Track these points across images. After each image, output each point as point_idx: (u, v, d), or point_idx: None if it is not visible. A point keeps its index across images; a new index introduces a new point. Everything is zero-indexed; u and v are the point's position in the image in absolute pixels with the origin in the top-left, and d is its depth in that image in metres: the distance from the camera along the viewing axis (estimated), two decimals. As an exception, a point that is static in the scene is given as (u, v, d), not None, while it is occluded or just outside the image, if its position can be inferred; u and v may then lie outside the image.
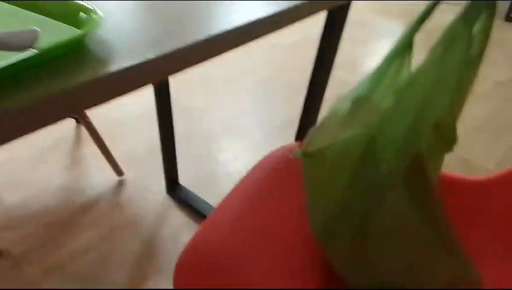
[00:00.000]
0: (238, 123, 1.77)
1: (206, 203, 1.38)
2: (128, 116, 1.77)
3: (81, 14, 0.39)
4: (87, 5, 0.39)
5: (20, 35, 0.34)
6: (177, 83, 2.00)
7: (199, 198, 1.40)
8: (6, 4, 0.43)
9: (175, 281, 0.61)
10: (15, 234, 1.26)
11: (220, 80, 2.06)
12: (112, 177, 1.47)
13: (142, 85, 0.38)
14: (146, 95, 1.90)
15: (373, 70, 0.43)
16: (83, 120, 1.34)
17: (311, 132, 0.48)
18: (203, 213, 1.35)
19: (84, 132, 1.66)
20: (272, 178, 0.75)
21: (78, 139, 1.64)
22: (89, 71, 0.34)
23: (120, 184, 1.45)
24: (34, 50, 0.32)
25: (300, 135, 1.05)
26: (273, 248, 0.63)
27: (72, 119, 1.71)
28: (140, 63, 0.36)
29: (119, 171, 1.47)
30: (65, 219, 1.32)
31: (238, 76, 2.10)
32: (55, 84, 0.31)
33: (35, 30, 0.35)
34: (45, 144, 1.59)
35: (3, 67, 0.30)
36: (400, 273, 0.47)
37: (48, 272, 1.17)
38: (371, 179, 0.39)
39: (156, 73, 0.38)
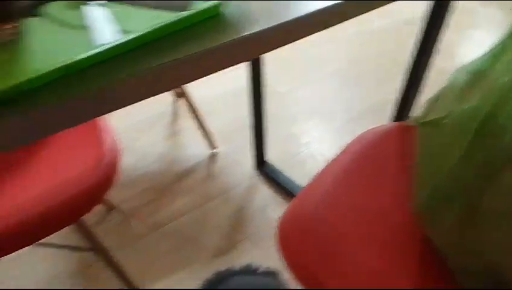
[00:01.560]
0: (323, 106, 1.82)
1: (291, 180, 1.46)
2: (220, 94, 1.89)
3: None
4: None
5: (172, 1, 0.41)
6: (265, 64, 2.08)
7: (284, 175, 1.48)
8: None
9: (279, 244, 0.67)
10: (124, 193, 1.43)
11: (306, 63, 2.11)
12: (206, 150, 1.59)
13: (264, 52, 0.44)
14: (237, 74, 2.01)
15: (493, 45, 0.46)
16: (183, 95, 1.47)
17: (428, 102, 0.51)
18: (288, 189, 1.43)
19: (182, 106, 1.81)
20: (370, 155, 0.79)
21: (176, 113, 1.79)
22: (225, 35, 0.40)
23: (212, 157, 1.57)
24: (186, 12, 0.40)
25: (398, 118, 1.08)
26: (370, 221, 0.68)
27: (173, 94, 1.87)
28: (261, 31, 0.42)
29: (212, 145, 1.59)
30: (164, 184, 1.47)
31: (324, 59, 2.13)
32: (198, 45, 0.38)
33: None
34: (150, 115, 1.76)
35: (161, 26, 0.37)
36: (510, 256, 0.46)
37: (151, 228, 1.32)
38: (488, 154, 0.41)
39: (271, 43, 0.44)
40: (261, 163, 1.51)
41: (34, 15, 0.41)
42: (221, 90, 1.91)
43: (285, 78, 2.01)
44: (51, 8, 0.42)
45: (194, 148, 1.61)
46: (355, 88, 1.94)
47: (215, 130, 1.68)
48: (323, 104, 1.83)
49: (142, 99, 0.37)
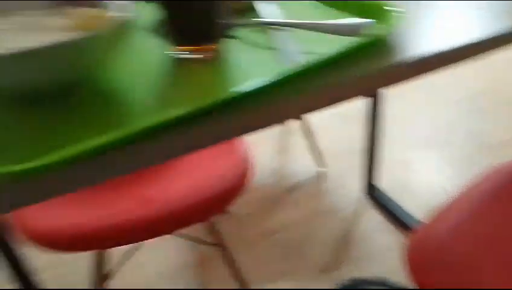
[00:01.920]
0: (443, 135, 1.74)
1: (401, 208, 1.42)
2: (334, 112, 1.91)
3: (385, 10, 0.48)
4: (388, 4, 0.49)
5: (351, 25, 0.45)
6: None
7: (395, 203, 1.44)
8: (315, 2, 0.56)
9: (411, 272, 0.67)
10: (239, 199, 1.51)
11: (430, 88, 2.05)
12: (314, 168, 1.63)
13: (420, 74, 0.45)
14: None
15: None
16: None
17: None
18: (398, 217, 1.39)
19: (295, 123, 1.87)
20: (505, 190, 0.75)
21: (289, 129, 1.85)
22: (388, 58, 0.43)
23: (320, 175, 1.60)
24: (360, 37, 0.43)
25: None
26: (505, 255, 0.65)
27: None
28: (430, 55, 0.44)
29: (321, 164, 1.62)
30: (275, 195, 1.52)
31: (446, 87, 2.05)
32: (365, 67, 0.41)
33: (365, 22, 0.45)
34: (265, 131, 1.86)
35: (341, 50, 0.41)
36: None
37: (261, 235, 1.38)
38: None
39: (432, 65, 0.45)
40: (371, 187, 1.50)
41: (229, 37, 0.48)
42: (335, 109, 1.94)
43: (404, 102, 1.97)
44: (243, 32, 0.50)
45: (303, 165, 1.65)
46: (480, 119, 1.83)
47: (325, 149, 1.71)
48: (443, 133, 1.76)
49: (304, 113, 0.41)
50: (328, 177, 1.59)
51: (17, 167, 0.30)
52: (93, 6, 0.45)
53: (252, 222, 1.42)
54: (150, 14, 0.55)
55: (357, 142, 1.74)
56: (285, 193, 1.53)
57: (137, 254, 1.33)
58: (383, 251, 1.30)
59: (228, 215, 1.45)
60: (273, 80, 0.38)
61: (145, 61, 0.46)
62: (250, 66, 0.43)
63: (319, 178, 1.58)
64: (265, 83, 0.38)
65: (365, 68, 0.41)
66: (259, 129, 0.39)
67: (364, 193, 1.51)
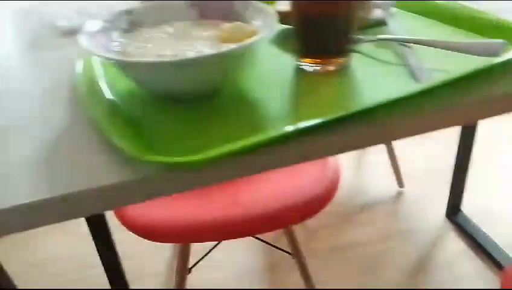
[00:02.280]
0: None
1: (487, 236, 1.34)
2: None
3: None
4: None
5: (485, 45, 0.45)
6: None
7: (480, 229, 1.37)
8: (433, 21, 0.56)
9: None
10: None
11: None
12: (393, 187, 1.59)
13: None
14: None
15: None
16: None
17: None
18: (481, 245, 1.32)
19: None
20: None
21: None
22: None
23: (399, 195, 1.56)
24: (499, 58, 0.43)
25: None
26: None
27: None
28: None
29: (400, 183, 1.58)
30: (350, 211, 1.51)
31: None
32: (492, 89, 0.41)
33: (500, 42, 0.45)
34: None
35: (473, 71, 0.41)
36: None
37: (329, 250, 1.37)
38: None
39: None
40: (454, 211, 1.44)
41: (356, 51, 0.50)
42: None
43: (498, 126, 1.87)
44: (366, 46, 0.51)
45: (382, 183, 1.62)
46: None
47: (406, 168, 1.66)
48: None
49: (421, 133, 0.42)
50: (407, 198, 1.55)
51: (179, 159, 0.33)
52: (242, 20, 0.50)
53: (324, 235, 1.42)
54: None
55: (441, 163, 1.68)
56: (361, 210, 1.51)
57: (214, 252, 1.38)
58: (463, 279, 1.24)
59: (302, 225, 1.46)
60: (404, 95, 0.39)
61: (274, 70, 0.49)
62: (377, 81, 0.45)
63: (398, 198, 1.55)
64: (396, 98, 0.39)
65: (493, 90, 0.41)
66: (377, 144, 0.40)
67: (446, 217, 1.45)
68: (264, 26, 0.45)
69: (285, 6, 0.55)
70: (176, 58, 0.38)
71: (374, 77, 0.45)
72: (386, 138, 0.40)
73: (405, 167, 1.66)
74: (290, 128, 0.36)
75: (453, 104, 0.40)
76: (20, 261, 1.40)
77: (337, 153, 0.39)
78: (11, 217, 0.33)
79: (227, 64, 0.42)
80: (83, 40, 0.42)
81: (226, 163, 0.36)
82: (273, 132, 0.36)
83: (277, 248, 1.12)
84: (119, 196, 0.34)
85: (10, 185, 0.34)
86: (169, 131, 0.40)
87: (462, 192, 1.40)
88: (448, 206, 1.44)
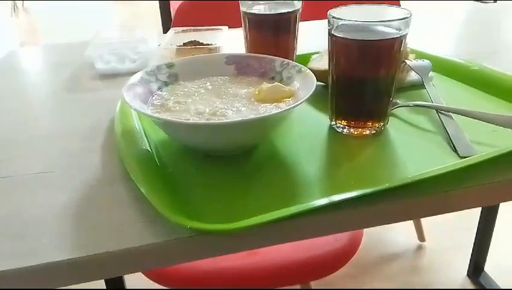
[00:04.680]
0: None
1: (511, 301, 1.28)
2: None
3: None
4: None
5: None
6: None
7: (503, 292, 1.31)
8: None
9: None
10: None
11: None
12: (413, 240, 1.54)
13: None
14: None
15: None
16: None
17: None
18: (506, 310, 1.26)
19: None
20: None
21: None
22: None
23: (419, 249, 1.51)
24: None
25: None
26: None
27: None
28: None
29: (421, 237, 1.53)
30: (367, 263, 1.46)
31: None
32: None
33: None
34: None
35: None
36: None
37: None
38: None
39: None
40: (477, 272, 1.38)
41: (393, 115, 0.49)
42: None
43: None
44: (402, 111, 0.51)
45: (402, 236, 1.58)
46: None
47: (427, 221, 1.62)
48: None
49: (461, 209, 0.40)
50: (428, 252, 1.50)
51: (214, 227, 0.33)
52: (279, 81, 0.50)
53: (341, 286, 1.37)
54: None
55: (465, 218, 1.62)
56: (378, 262, 1.46)
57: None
58: None
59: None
60: (448, 170, 0.38)
61: (308, 128, 0.49)
62: (415, 149, 0.44)
63: (418, 252, 1.50)
64: (440, 173, 0.38)
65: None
66: (410, 219, 0.39)
67: (468, 276, 1.39)
68: (303, 87, 0.46)
69: (321, 64, 0.56)
70: (216, 122, 0.39)
71: (411, 145, 0.45)
72: (421, 214, 0.39)
73: (426, 220, 1.62)
74: (326, 200, 0.36)
75: (497, 181, 0.39)
76: None
77: (371, 226, 0.38)
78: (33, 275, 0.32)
79: (266, 126, 0.42)
80: (123, 92, 0.43)
81: (259, 230, 0.35)
82: (308, 201, 0.35)
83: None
84: (148, 258, 0.34)
85: (33, 241, 0.34)
86: (203, 188, 0.39)
87: (486, 251, 1.35)
88: (470, 265, 1.39)
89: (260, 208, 0.35)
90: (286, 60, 0.50)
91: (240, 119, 0.39)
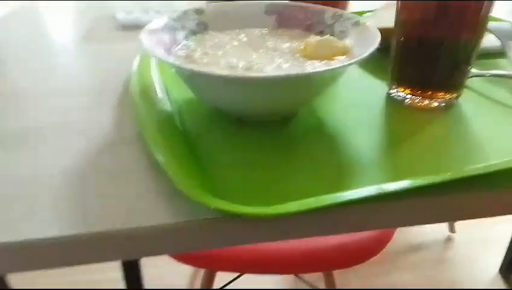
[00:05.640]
0: None
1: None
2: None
3: None
4: None
5: None
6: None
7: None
8: None
9: None
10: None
11: None
12: (444, 231, 1.46)
13: None
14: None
15: None
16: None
17: None
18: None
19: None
20: None
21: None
22: None
23: (448, 241, 1.42)
24: None
25: None
26: None
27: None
28: None
29: (452, 228, 1.44)
30: (393, 251, 1.39)
31: None
32: None
33: None
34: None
35: None
36: None
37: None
38: None
39: None
40: (510, 269, 1.29)
41: (467, 87, 0.41)
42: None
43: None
44: (477, 82, 0.42)
45: (432, 225, 1.49)
46: None
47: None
48: None
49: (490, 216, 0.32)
50: (457, 245, 1.41)
51: (247, 210, 0.25)
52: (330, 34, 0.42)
53: (365, 274, 1.30)
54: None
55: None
56: (405, 251, 1.39)
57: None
58: None
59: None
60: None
61: (359, 95, 0.41)
62: (494, 129, 0.35)
63: (447, 244, 1.41)
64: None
65: None
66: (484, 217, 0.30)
67: (499, 272, 1.30)
68: (359, 43, 0.37)
69: (383, 22, 0.46)
70: (252, 76, 0.31)
71: (488, 124, 0.36)
72: (502, 211, 0.31)
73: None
74: (384, 187, 0.28)
75: None
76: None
77: (436, 222, 0.30)
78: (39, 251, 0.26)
79: (313, 85, 0.34)
80: (143, 37, 0.35)
81: (301, 219, 0.27)
82: (358, 186, 0.28)
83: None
84: (161, 241, 0.26)
85: (37, 211, 0.27)
86: (231, 161, 0.32)
87: (523, 248, 1.26)
88: (504, 261, 1.30)
89: (300, 191, 0.28)
90: (339, 10, 0.41)
91: (283, 74, 0.31)
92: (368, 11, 0.53)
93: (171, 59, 0.35)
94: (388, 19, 0.42)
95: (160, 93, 0.39)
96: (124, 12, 0.62)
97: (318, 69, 0.33)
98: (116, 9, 0.62)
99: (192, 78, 0.34)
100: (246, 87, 0.32)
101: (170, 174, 0.28)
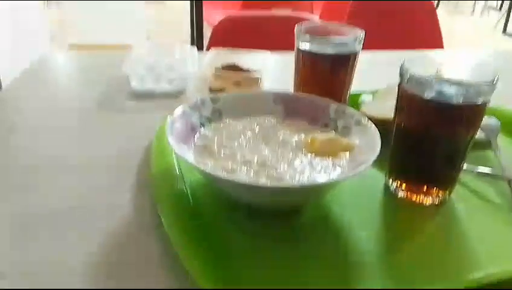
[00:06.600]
0: None
1: None
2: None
3: None
4: None
5: None
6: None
7: None
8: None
9: None
10: None
11: None
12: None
13: None
14: None
15: None
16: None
17: None
18: None
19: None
20: None
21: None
22: None
23: None
24: None
25: None
26: None
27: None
28: None
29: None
30: None
31: None
32: None
33: None
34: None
35: None
36: None
37: None
38: None
39: None
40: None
41: (458, 183, 0.43)
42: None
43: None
44: (467, 179, 0.44)
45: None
46: None
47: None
48: None
49: None
50: None
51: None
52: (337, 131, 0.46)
53: None
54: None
55: None
56: None
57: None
58: None
59: None
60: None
61: (359, 186, 0.44)
62: (486, 229, 0.38)
63: None
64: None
65: None
66: None
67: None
68: (362, 142, 0.41)
69: (375, 110, 0.50)
70: (271, 186, 0.35)
71: (481, 223, 0.39)
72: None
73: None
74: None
75: None
76: None
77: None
78: None
79: (324, 190, 0.38)
80: (168, 136, 0.39)
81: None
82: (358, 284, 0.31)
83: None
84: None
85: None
86: (241, 249, 0.35)
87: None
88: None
89: (307, 282, 0.32)
90: (342, 105, 0.45)
91: (299, 185, 0.35)
92: (365, 92, 0.57)
93: (191, 155, 0.39)
94: (388, 107, 0.44)
95: (176, 174, 0.42)
96: (137, 80, 0.66)
97: (331, 180, 0.37)
98: (130, 76, 0.65)
99: (213, 180, 0.37)
100: (262, 193, 0.35)
101: (184, 264, 0.31)
